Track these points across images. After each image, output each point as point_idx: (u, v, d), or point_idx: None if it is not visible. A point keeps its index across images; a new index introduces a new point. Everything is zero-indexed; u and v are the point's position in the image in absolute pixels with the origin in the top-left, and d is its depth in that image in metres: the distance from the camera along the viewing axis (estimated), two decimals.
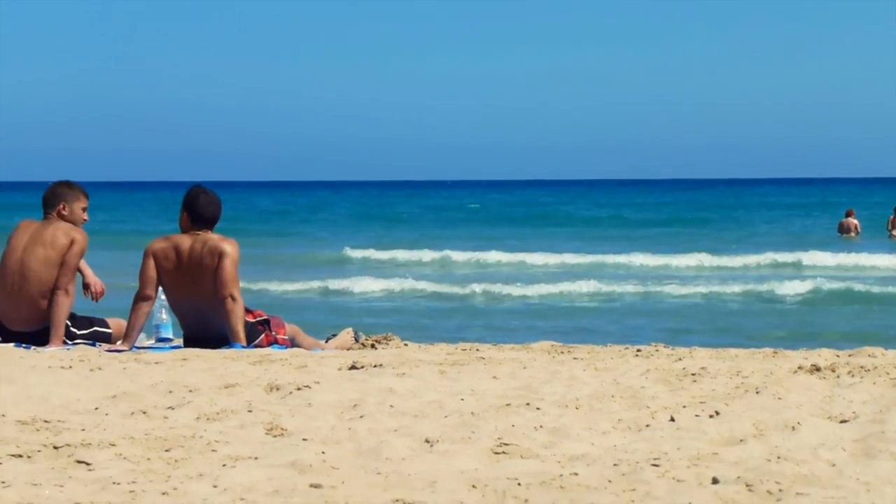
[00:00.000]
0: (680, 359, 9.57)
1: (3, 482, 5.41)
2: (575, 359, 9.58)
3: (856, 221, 41.03)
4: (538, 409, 7.19)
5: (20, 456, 5.92)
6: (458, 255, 35.00)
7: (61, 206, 11.05)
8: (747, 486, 5.30)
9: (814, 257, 32.08)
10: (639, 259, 33.17)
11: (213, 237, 10.73)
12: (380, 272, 30.96)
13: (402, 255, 36.08)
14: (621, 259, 32.89)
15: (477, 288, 25.52)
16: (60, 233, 10.88)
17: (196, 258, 10.66)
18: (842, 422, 6.84)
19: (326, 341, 11.00)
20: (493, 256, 34.38)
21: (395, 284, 26.49)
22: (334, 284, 26.47)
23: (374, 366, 9.03)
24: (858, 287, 25.26)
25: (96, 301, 11.20)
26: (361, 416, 6.99)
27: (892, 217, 40.16)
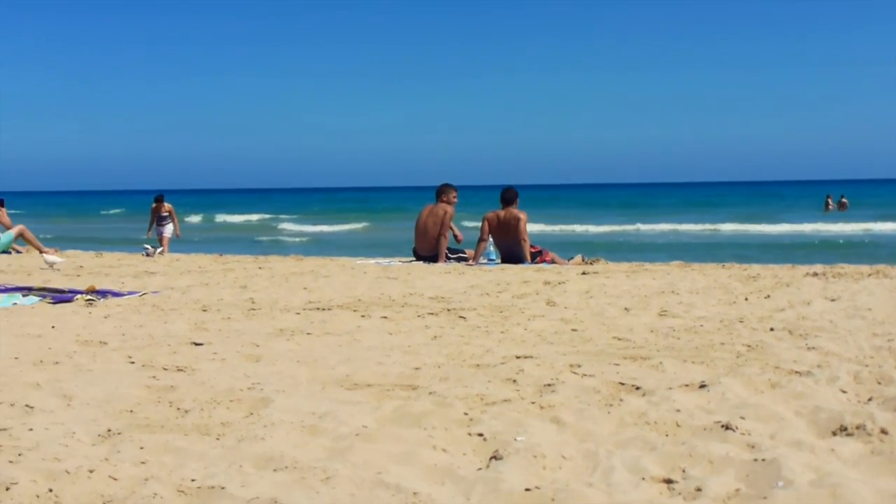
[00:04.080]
0: (745, 269, 9.14)
1: (426, 326, 5.45)
2: (692, 270, 9.23)
3: (831, 202, 39.48)
4: (677, 294, 6.93)
5: (432, 314, 5.96)
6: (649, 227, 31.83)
7: (443, 195, 11.21)
8: (789, 331, 5.00)
9: (804, 226, 29.13)
10: (730, 226, 30.39)
11: (514, 210, 10.68)
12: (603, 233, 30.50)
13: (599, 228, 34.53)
14: (718, 225, 30.38)
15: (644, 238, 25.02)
16: (440, 209, 11.04)
17: (506, 221, 10.62)
18: (832, 300, 6.42)
19: (569, 260, 10.85)
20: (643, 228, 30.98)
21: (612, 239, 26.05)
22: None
23: (594, 273, 8.87)
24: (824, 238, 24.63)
25: (459, 244, 11.34)
26: (591, 297, 6.83)
27: (827, 201, 39.78)
